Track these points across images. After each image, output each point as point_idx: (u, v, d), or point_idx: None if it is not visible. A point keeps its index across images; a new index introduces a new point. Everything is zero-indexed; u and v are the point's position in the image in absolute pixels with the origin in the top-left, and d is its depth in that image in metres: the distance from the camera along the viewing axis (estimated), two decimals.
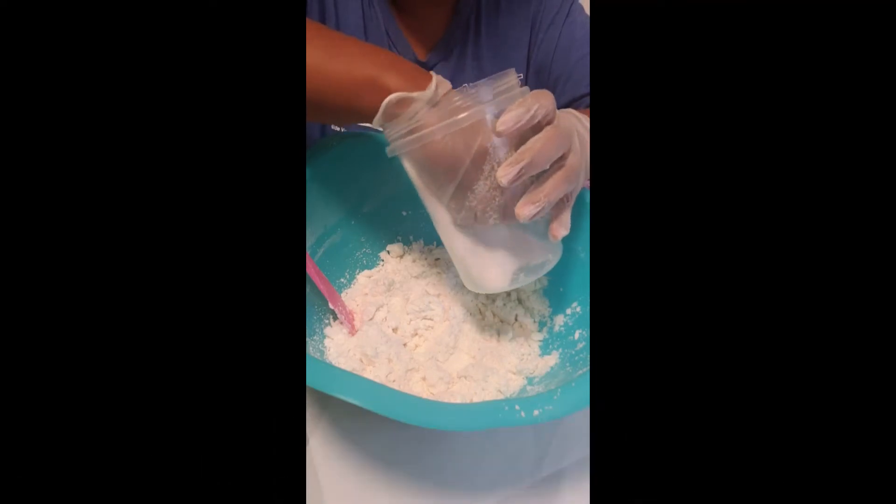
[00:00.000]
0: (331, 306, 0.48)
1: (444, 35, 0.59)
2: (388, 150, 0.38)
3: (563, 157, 0.35)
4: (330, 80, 0.36)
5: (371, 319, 0.49)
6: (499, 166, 0.34)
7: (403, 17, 0.59)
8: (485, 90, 0.35)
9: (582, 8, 0.64)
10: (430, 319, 0.50)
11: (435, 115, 0.34)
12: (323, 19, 0.56)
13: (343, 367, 0.44)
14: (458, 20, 0.59)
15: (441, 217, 0.40)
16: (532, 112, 0.33)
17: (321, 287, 0.47)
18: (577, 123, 0.39)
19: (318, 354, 0.44)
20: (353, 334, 0.48)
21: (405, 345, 0.49)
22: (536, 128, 0.35)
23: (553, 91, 0.62)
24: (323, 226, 0.51)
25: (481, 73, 0.60)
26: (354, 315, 0.50)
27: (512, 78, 0.37)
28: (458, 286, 0.52)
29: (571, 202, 0.38)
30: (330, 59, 0.36)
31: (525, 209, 0.35)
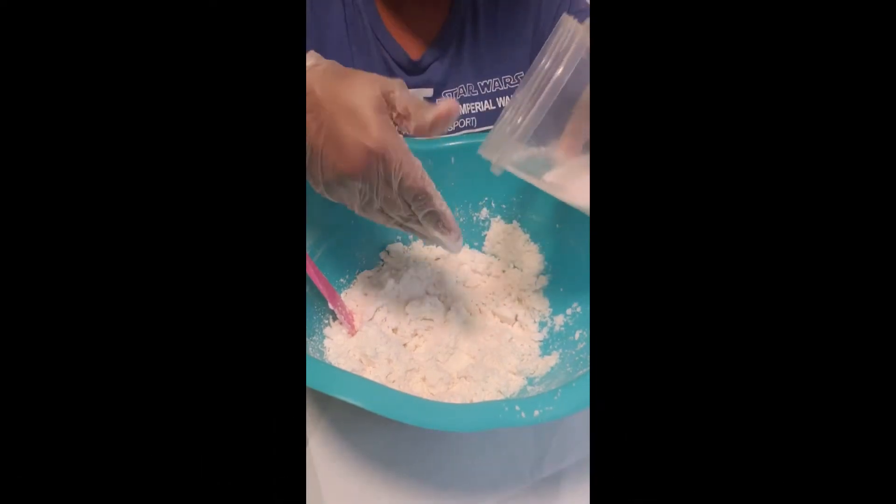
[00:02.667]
0: (330, 306, 0.48)
1: (440, 33, 0.58)
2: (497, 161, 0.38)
3: None
4: None
5: (371, 319, 0.49)
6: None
7: (394, 17, 0.58)
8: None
9: (585, 2, 0.63)
10: (430, 319, 0.50)
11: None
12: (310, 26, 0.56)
13: (343, 367, 0.44)
14: (454, 18, 0.58)
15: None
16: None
17: (321, 287, 0.47)
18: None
19: (318, 355, 0.44)
20: (352, 335, 0.48)
21: (405, 345, 0.48)
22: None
23: None
24: (322, 226, 0.51)
25: (479, 72, 0.60)
26: (354, 315, 0.50)
27: (568, 25, 0.35)
28: (459, 286, 0.52)
29: None
30: None
31: None
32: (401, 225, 0.40)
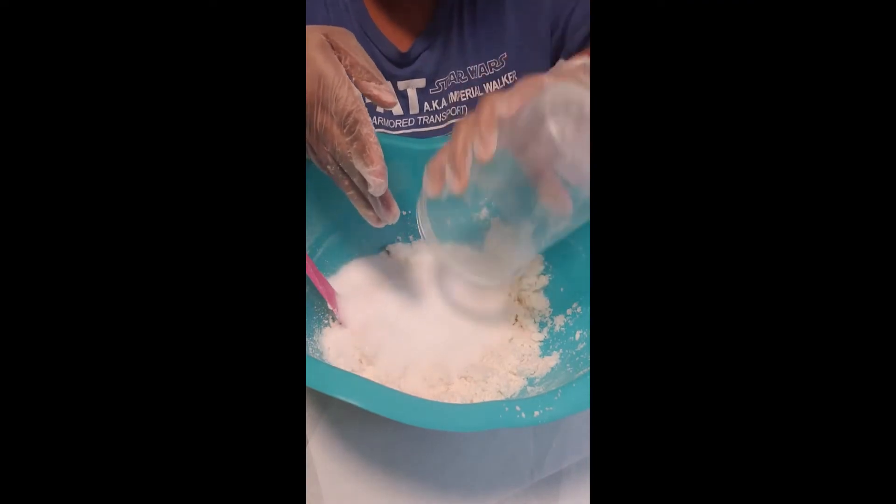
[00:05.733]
0: (330, 307, 0.48)
1: (429, 23, 0.59)
2: None
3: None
4: None
5: (371, 319, 0.49)
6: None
7: (382, 11, 0.58)
8: None
9: None
10: (431, 319, 0.50)
11: None
12: None
13: (342, 367, 0.44)
14: (442, 6, 0.58)
15: None
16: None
17: (320, 287, 0.47)
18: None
19: (318, 355, 0.44)
20: (351, 332, 0.48)
21: (405, 344, 0.48)
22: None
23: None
24: (322, 225, 0.51)
25: (466, 59, 0.60)
26: (353, 314, 0.50)
27: None
28: (458, 286, 0.52)
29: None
30: None
31: None
32: (335, 168, 0.41)
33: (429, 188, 0.41)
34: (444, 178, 0.39)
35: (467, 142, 0.38)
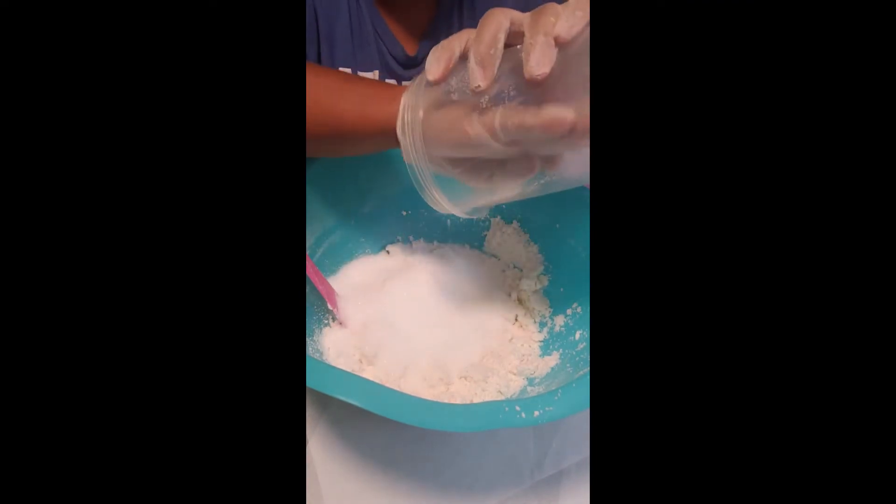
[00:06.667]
0: (330, 307, 0.48)
1: (430, 26, 0.59)
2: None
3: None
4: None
5: (370, 319, 0.49)
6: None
7: (389, 14, 0.59)
8: None
9: None
10: (430, 319, 0.50)
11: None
12: (316, 27, 0.57)
13: (342, 367, 0.44)
14: (442, 10, 0.59)
15: None
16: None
17: (320, 287, 0.47)
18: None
19: (318, 355, 0.44)
20: (351, 331, 0.48)
21: (405, 344, 0.48)
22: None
23: None
24: (322, 226, 0.51)
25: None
26: (352, 313, 0.50)
27: None
28: (458, 286, 0.52)
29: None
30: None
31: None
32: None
33: (433, 68, 0.32)
34: (453, 62, 0.32)
35: (501, 23, 0.30)
